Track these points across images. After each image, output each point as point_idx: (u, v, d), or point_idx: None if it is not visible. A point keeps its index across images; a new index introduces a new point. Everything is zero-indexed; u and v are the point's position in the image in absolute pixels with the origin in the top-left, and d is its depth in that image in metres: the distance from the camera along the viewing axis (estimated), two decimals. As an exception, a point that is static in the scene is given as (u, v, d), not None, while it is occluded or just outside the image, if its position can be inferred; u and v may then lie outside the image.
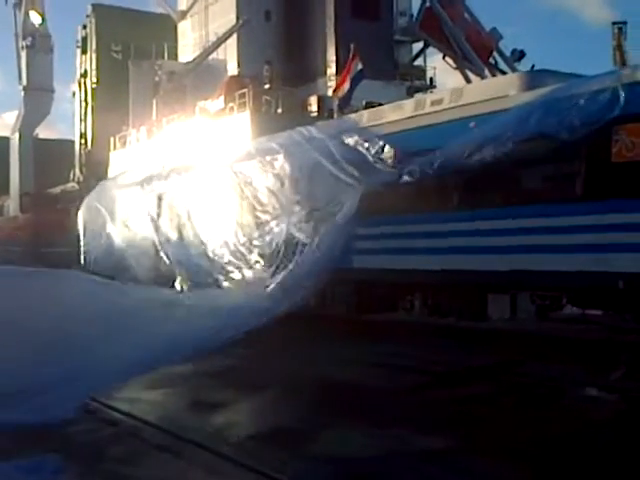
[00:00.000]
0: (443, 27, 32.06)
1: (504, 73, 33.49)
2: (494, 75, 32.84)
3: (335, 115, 30.18)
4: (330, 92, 32.41)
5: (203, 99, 31.52)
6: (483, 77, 31.74)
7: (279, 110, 28.88)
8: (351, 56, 28.24)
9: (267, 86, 31.32)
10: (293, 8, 33.59)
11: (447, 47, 32.35)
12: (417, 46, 35.50)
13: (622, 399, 8.13)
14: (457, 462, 6.27)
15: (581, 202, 9.10)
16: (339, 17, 31.22)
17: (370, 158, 11.31)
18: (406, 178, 10.83)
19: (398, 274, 11.69)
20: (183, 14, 35.90)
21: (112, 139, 31.16)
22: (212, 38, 34.15)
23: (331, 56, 31.56)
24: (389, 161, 11.03)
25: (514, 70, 32.88)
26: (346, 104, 28.91)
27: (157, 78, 33.65)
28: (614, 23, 57.05)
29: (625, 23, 56.05)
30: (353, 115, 15.03)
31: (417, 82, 33.29)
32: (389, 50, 31.88)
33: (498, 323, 12.05)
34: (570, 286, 9.35)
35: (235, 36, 33.13)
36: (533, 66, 34.45)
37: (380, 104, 30.32)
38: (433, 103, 11.85)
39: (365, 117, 13.47)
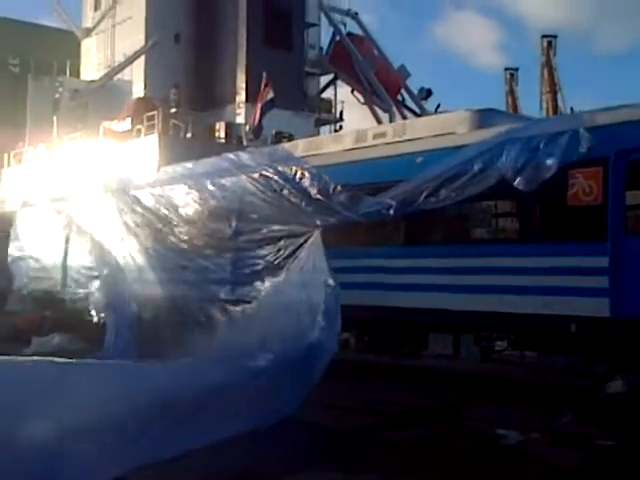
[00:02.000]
0: (353, 62, 32.54)
1: (411, 111, 34.35)
2: (402, 112, 33.64)
3: (245, 143, 29.89)
4: (238, 119, 32.12)
5: (107, 119, 30.36)
6: (391, 113, 32.38)
7: (188, 135, 28.22)
8: (263, 84, 28.11)
9: (173, 110, 30.55)
10: (203, 32, 33.16)
11: (356, 81, 32.88)
12: (324, 79, 35.88)
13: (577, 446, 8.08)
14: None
15: (537, 244, 9.12)
16: (251, 45, 31.09)
17: (318, 194, 10.75)
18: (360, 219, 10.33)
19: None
20: (88, 31, 34.65)
21: (6, 155, 29.40)
22: (118, 58, 33.14)
23: (241, 83, 31.32)
24: (341, 198, 10.46)
25: (421, 108, 33.80)
26: (258, 132, 28.67)
27: (58, 95, 32.18)
28: (506, 69, 60.54)
29: (517, 69, 59.50)
30: (287, 145, 14.64)
31: (325, 115, 33.48)
32: (299, 81, 31.99)
33: (433, 361, 11.95)
34: (521, 328, 9.32)
35: (142, 57, 32.23)
36: (439, 105, 35.72)
37: (290, 135, 30.59)
38: (375, 136, 11.67)
39: (300, 147, 13.09)
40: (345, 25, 33.45)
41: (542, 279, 8.96)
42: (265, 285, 10.60)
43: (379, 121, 32.89)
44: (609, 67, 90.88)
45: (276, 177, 11.79)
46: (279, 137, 28.94)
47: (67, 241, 18.49)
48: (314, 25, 33.07)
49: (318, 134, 32.91)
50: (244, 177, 12.48)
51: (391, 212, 9.56)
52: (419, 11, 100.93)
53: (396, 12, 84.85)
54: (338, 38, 33.26)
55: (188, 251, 12.71)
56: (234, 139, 30.06)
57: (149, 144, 27.08)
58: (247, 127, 28.39)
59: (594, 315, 8.56)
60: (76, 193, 17.39)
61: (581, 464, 7.45)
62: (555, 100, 55.85)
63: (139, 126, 27.69)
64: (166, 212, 13.47)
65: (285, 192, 11.37)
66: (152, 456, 6.03)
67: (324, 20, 33.49)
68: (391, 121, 32.05)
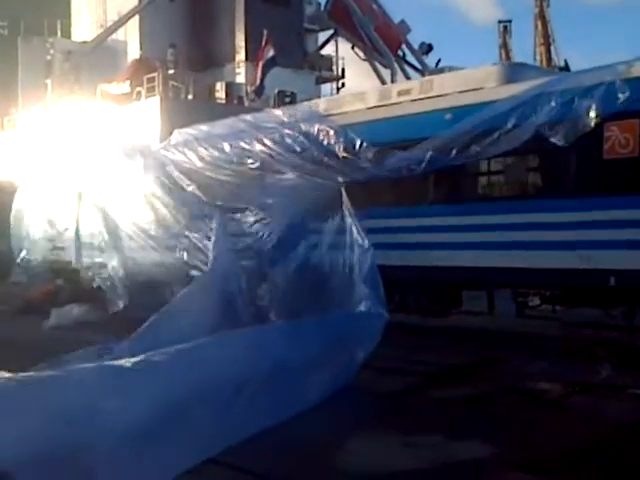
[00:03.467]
0: (352, 17, 32.00)
1: (412, 66, 33.98)
2: (402, 68, 33.25)
3: (246, 103, 29.51)
4: (238, 79, 31.68)
5: (103, 81, 29.87)
6: (392, 69, 31.99)
7: (190, 96, 27.87)
8: (264, 42, 27.64)
9: (171, 71, 30.11)
10: (198, -11, 32.52)
11: (356, 37, 32.36)
12: (322, 36, 35.36)
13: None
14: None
15: (572, 198, 9.09)
16: (249, 1, 30.45)
17: (343, 151, 10.66)
18: (389, 174, 10.26)
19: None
20: (78, -11, 33.94)
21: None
22: (111, 16, 32.45)
23: (240, 42, 30.82)
24: (368, 155, 10.37)
25: (422, 63, 33.43)
26: (260, 92, 28.30)
27: (49, 57, 31.58)
28: (500, 22, 59.83)
29: (510, 21, 58.80)
30: (306, 103, 14.43)
31: (325, 72, 33.06)
32: (299, 38, 31.52)
33: (460, 320, 12.00)
34: (559, 283, 9.34)
35: (137, 16, 31.61)
36: (439, 60, 35.34)
37: (293, 93, 30.21)
38: (400, 93, 11.51)
39: (321, 106, 12.90)
40: (343, -21, 32.79)
41: (579, 233, 8.95)
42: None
43: (380, 77, 32.53)
44: (601, 17, 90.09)
45: (300, 137, 11.69)
46: (282, 96, 28.65)
47: (79, 209, 18.31)
48: (312, -20, 32.52)
49: (319, 92, 32.60)
50: (265, 138, 12.37)
51: (422, 166, 9.50)
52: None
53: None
54: (337, -7, 32.68)
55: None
56: (235, 99, 29.72)
57: (150, 107, 26.74)
58: (249, 87, 28.08)
59: (633, 268, 8.58)
60: (86, 158, 17.12)
61: (637, 417, 7.52)
62: (549, 52, 55.35)
63: (139, 88, 27.36)
64: (181, 174, 13.26)
65: (309, 151, 11.28)
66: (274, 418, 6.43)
67: (322, -25, 32.90)
68: (392, 77, 31.72)
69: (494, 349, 10.88)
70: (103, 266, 16.78)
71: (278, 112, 13.62)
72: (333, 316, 8.41)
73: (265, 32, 26.47)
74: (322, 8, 33.16)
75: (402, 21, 32.89)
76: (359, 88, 45.37)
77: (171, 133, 15.13)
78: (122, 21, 30.52)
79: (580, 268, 8.96)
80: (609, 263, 8.74)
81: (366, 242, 9.14)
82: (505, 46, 57.16)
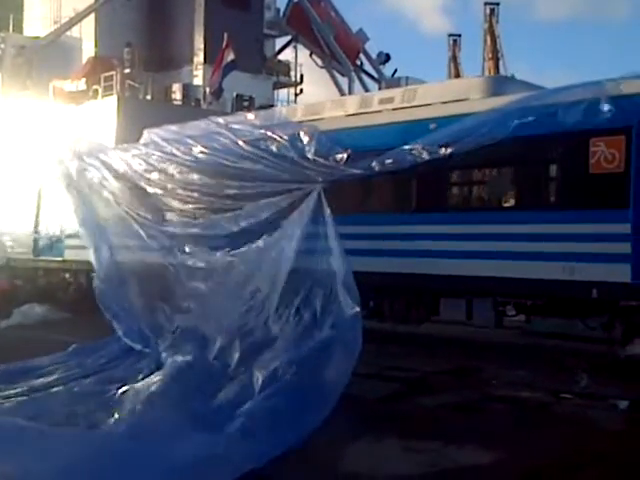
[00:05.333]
0: (311, 24, 32.04)
1: (370, 75, 34.24)
2: (360, 77, 33.47)
3: (204, 105, 29.19)
4: (196, 81, 31.29)
5: (56, 78, 29.12)
6: (350, 78, 32.16)
7: (148, 96, 27.38)
8: (224, 45, 27.42)
9: (127, 70, 29.52)
10: (156, -11, 32.03)
11: (315, 44, 32.40)
12: (280, 42, 35.30)
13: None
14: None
15: (558, 211, 9.28)
16: (209, 3, 30.14)
17: (319, 156, 10.62)
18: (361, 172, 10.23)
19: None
20: (32, -17, 33.01)
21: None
22: (66, 13, 31.65)
23: (199, 44, 30.48)
24: (344, 158, 10.36)
25: (380, 73, 33.70)
26: (218, 94, 28.03)
27: (0, 51, 30.59)
28: (450, 35, 60.76)
29: (459, 36, 59.78)
30: (284, 109, 14.35)
31: (282, 78, 32.98)
32: (257, 43, 31.33)
33: (433, 328, 12.09)
34: (542, 294, 9.50)
35: (93, 14, 30.93)
36: (396, 70, 35.75)
37: (251, 97, 30.05)
38: (382, 101, 11.56)
39: (299, 111, 12.85)
40: (302, -14, 32.83)
41: (564, 245, 9.13)
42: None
43: (338, 85, 32.66)
44: (549, 34, 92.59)
45: (276, 140, 11.60)
46: (240, 100, 28.45)
47: (38, 207, 17.77)
48: (272, -15, 32.44)
49: (276, 97, 32.55)
50: (240, 141, 12.23)
51: (401, 164, 9.51)
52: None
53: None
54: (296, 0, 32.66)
55: (180, 218, 12.28)
56: (192, 101, 29.35)
57: (107, 106, 26.15)
58: (207, 89, 27.76)
59: (616, 280, 8.80)
60: (43, 155, 16.63)
61: (626, 426, 7.70)
62: (497, 67, 56.45)
63: (96, 86, 26.73)
64: (157, 175, 12.97)
65: (285, 155, 11.18)
66: None
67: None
68: (350, 86, 31.88)
69: (470, 357, 11.03)
70: (63, 265, 16.36)
71: (251, 116, 13.54)
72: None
73: (225, 35, 26.25)
74: (281, 14, 33.09)
75: (360, 30, 33.12)
76: (316, 95, 45.47)
77: (127, 133, 14.79)
78: (78, 18, 29.79)
79: (563, 279, 9.12)
80: (592, 275, 8.92)
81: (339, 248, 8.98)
82: (455, 59, 58.00)
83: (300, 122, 12.36)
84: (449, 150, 9.32)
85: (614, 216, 8.87)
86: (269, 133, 11.91)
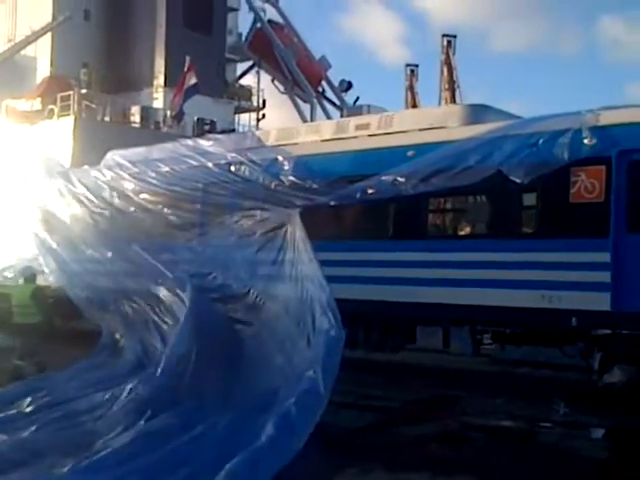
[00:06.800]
0: (274, 49, 32.08)
1: (332, 102, 34.37)
2: (322, 104, 33.57)
3: (163, 128, 28.85)
4: (156, 104, 30.95)
5: (9, 97, 28.53)
6: (312, 104, 32.24)
7: (106, 118, 26.96)
8: (186, 68, 27.21)
9: (84, 90, 29.09)
10: (116, 10, 31.70)
11: (277, 70, 32.42)
12: (241, 67, 35.27)
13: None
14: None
15: (539, 239, 9.28)
16: (170, 26, 29.94)
17: (295, 180, 10.49)
18: (334, 202, 10.19)
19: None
20: (-15, 0, 32.34)
21: None
22: (21, 31, 31.08)
23: (160, 67, 30.19)
24: (319, 185, 10.26)
25: (341, 100, 33.87)
26: (179, 118, 27.76)
27: (-50, 68, 29.83)
28: (407, 65, 61.75)
29: (417, 66, 60.80)
30: (258, 132, 14.16)
31: (244, 102, 32.89)
32: (219, 67, 31.19)
33: (403, 356, 11.94)
34: (523, 322, 9.46)
35: (49, 33, 30.45)
36: (358, 98, 35.96)
37: (212, 121, 29.83)
38: (358, 127, 11.48)
39: (272, 135, 12.67)
40: (265, 12, 32.90)
41: (544, 274, 9.12)
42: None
43: (300, 112, 32.69)
44: (504, 66, 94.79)
45: (248, 164, 11.43)
46: (201, 124, 28.23)
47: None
48: (235, 10, 32.34)
49: (238, 122, 32.37)
50: (210, 164, 12.02)
51: (373, 193, 9.51)
52: (327, 1, 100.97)
53: (304, 1, 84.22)
54: (259, 25, 32.64)
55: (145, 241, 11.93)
56: (151, 124, 29.02)
57: (63, 126, 25.66)
58: (168, 112, 27.45)
59: (595, 309, 8.82)
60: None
61: (609, 454, 7.67)
62: (454, 97, 57.45)
63: (52, 106, 26.21)
64: (117, 199, 12.64)
65: (259, 179, 11.03)
66: None
67: (244, 5, 32.84)
68: (312, 112, 31.96)
69: (445, 386, 10.92)
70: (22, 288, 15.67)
71: (224, 138, 13.35)
72: None
73: (188, 58, 26.08)
74: (243, 39, 33.06)
75: (323, 57, 33.26)
76: (278, 121, 45.41)
77: (84, 154, 14.39)
78: (35, 37, 29.27)
79: (543, 307, 9.11)
80: (572, 304, 8.93)
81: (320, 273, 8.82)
82: (412, 89, 58.88)
83: (273, 146, 12.27)
84: (433, 182, 9.37)
85: (594, 245, 8.91)
86: (241, 157, 11.82)
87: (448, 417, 9.11)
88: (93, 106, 27.69)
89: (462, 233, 10.52)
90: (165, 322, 9.58)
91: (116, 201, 12.42)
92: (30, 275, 11.85)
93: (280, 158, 11.34)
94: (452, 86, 57.08)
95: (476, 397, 10.07)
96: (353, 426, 8.65)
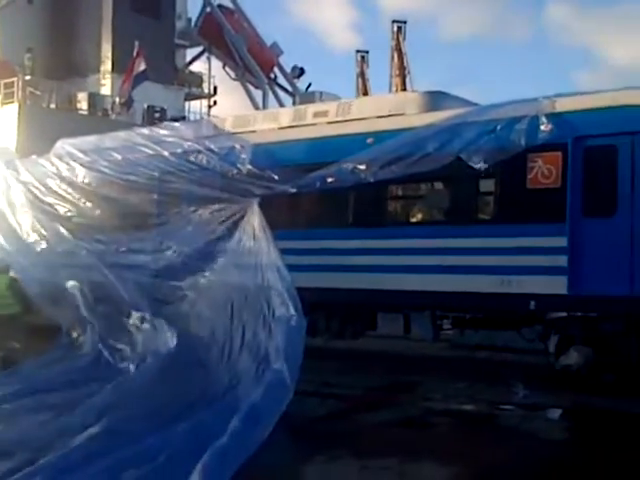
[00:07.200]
0: (225, 35, 31.63)
1: (284, 89, 34.14)
2: (274, 90, 33.30)
3: (112, 115, 28.26)
4: (104, 90, 30.25)
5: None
6: (264, 91, 31.97)
7: (52, 105, 26.22)
8: (135, 54, 26.64)
9: (28, 77, 28.23)
10: (60, -7, 30.81)
11: (228, 56, 31.99)
12: (192, 52, 34.73)
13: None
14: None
15: (497, 224, 9.41)
16: (118, 9, 29.20)
17: (253, 168, 10.36)
18: (294, 190, 10.12)
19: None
20: None
21: None
22: (-39, 15, 29.91)
23: (107, 52, 29.43)
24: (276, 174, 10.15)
25: (294, 86, 33.67)
26: (129, 105, 27.20)
27: None
28: (358, 51, 61.72)
29: (367, 52, 60.84)
30: (213, 120, 13.97)
31: (194, 89, 32.39)
32: (169, 53, 30.62)
33: (362, 343, 12.00)
34: (482, 307, 9.59)
35: (-11, 17, 29.39)
36: (310, 84, 35.75)
37: (163, 109, 29.32)
38: (316, 115, 11.42)
39: (229, 123, 12.52)
40: (214, -4, 32.40)
41: (503, 259, 9.26)
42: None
43: (252, 98, 32.38)
44: (454, 52, 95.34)
45: (206, 152, 11.26)
46: (151, 111, 27.68)
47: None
48: (184, -7, 31.83)
49: (189, 109, 31.90)
50: (166, 153, 11.81)
51: (333, 182, 9.49)
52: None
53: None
54: (208, 9, 32.13)
55: (99, 232, 11.65)
56: (99, 111, 28.35)
57: (7, 114, 24.92)
58: (117, 99, 26.86)
59: (553, 292, 9.00)
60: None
61: (568, 435, 7.84)
62: (404, 84, 57.68)
63: (-5, 93, 25.41)
64: (69, 188, 12.30)
65: (216, 167, 10.88)
66: None
67: (193, -11, 32.29)
68: (264, 99, 31.70)
69: (406, 372, 11.02)
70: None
71: (181, 126, 13.11)
72: None
73: (137, 43, 25.53)
74: (192, 24, 32.54)
75: (274, 43, 32.95)
76: (230, 108, 44.83)
77: (30, 143, 13.99)
78: (-25, 20, 28.23)
79: (502, 292, 9.25)
80: (530, 288, 9.09)
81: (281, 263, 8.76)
82: (363, 75, 58.83)
83: (229, 134, 12.12)
84: (393, 170, 9.39)
85: (551, 230, 9.08)
86: (198, 145, 11.64)
87: (410, 402, 9.20)
88: (38, 93, 26.91)
89: (422, 220, 10.57)
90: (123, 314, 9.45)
91: (67, 191, 12.12)
92: (3, 266, 11.37)
93: (238, 146, 11.20)
94: (403, 72, 57.20)
95: (437, 382, 10.19)
96: (316, 414, 8.64)
